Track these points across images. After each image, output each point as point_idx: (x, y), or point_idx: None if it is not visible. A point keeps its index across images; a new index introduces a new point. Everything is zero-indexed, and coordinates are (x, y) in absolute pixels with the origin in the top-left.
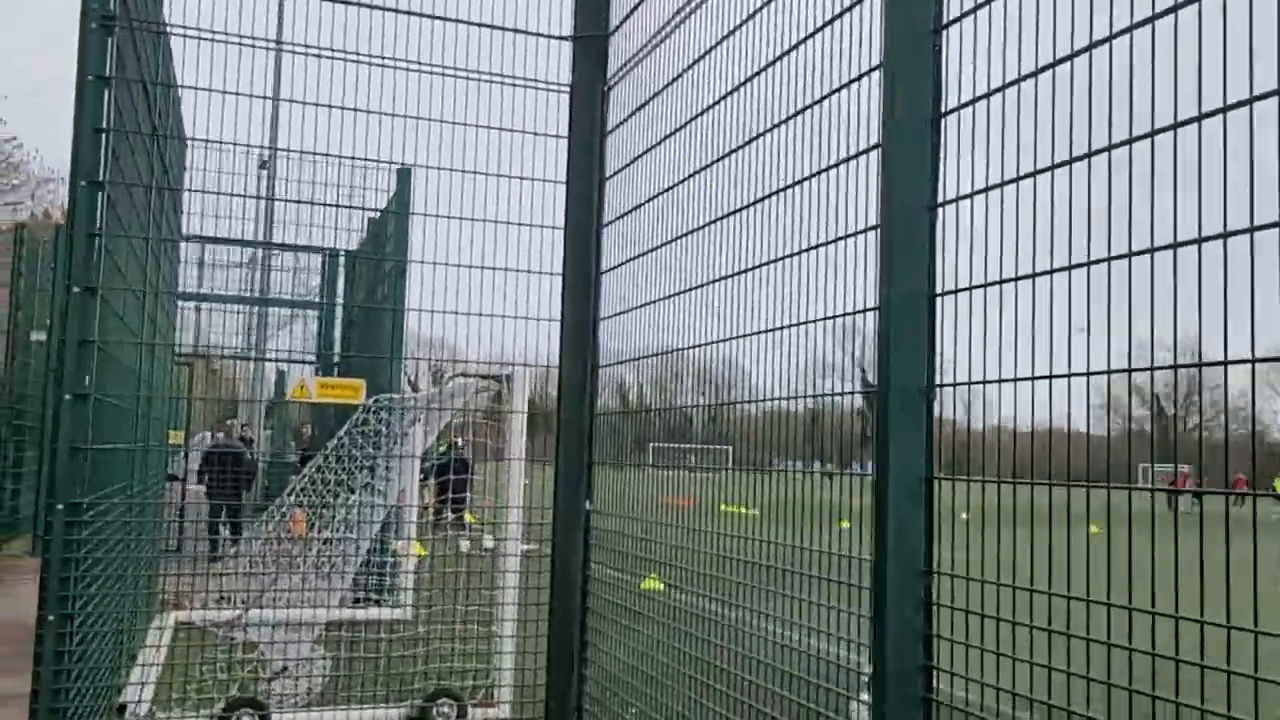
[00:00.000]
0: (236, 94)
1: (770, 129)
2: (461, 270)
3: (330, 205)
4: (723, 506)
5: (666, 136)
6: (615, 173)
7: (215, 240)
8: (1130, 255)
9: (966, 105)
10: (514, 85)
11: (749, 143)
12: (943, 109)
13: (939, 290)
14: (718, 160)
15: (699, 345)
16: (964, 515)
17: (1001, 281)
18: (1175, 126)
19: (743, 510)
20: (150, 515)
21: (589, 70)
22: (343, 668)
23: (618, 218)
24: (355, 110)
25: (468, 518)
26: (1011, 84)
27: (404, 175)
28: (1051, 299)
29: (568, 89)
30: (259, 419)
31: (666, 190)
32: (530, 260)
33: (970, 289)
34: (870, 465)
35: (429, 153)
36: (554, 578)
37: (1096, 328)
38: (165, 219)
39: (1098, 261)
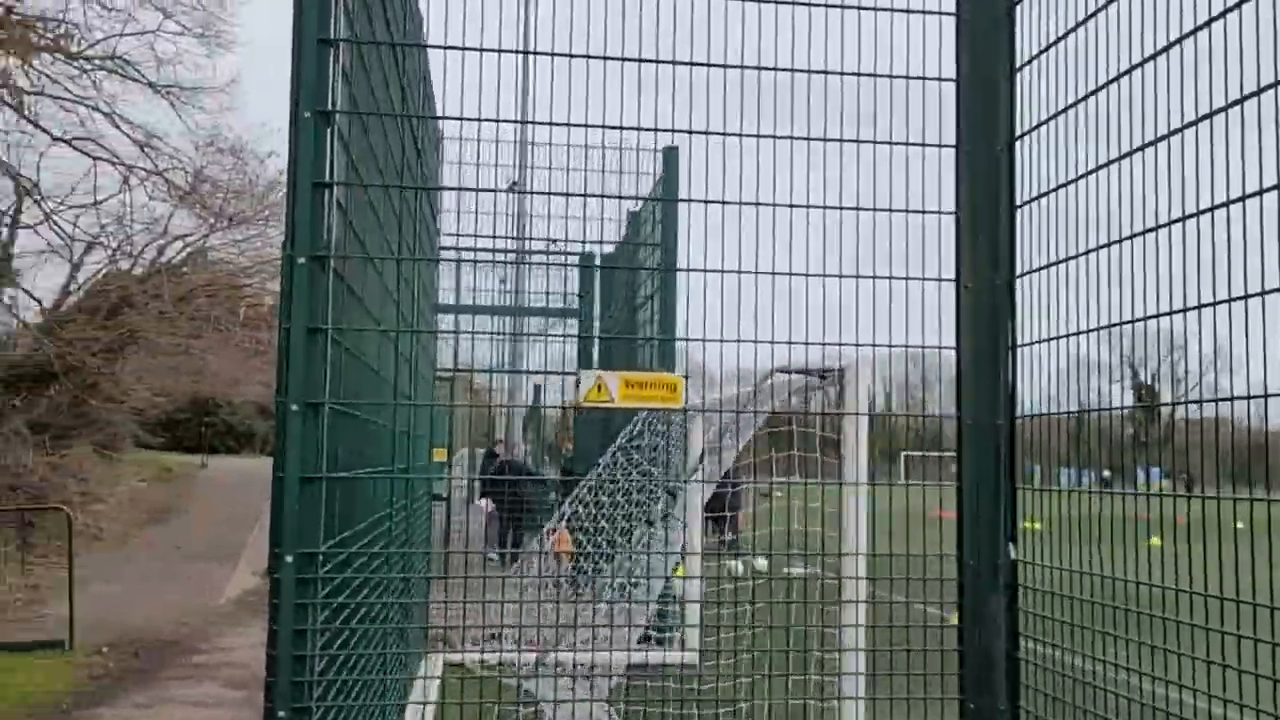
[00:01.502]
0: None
1: None
2: (772, 224)
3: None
4: None
5: None
6: (1032, 59)
7: (464, 249)
8: None
9: None
10: None
11: None
12: None
13: None
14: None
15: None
16: None
17: None
18: None
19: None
20: (419, 562)
21: None
22: None
23: (1038, 125)
24: None
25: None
26: None
27: (670, 155)
28: None
29: None
30: (519, 434)
31: (1132, 69)
32: (909, 197)
33: None
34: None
35: (741, 45)
36: (965, 661)
37: None
38: (418, 198)
39: None
